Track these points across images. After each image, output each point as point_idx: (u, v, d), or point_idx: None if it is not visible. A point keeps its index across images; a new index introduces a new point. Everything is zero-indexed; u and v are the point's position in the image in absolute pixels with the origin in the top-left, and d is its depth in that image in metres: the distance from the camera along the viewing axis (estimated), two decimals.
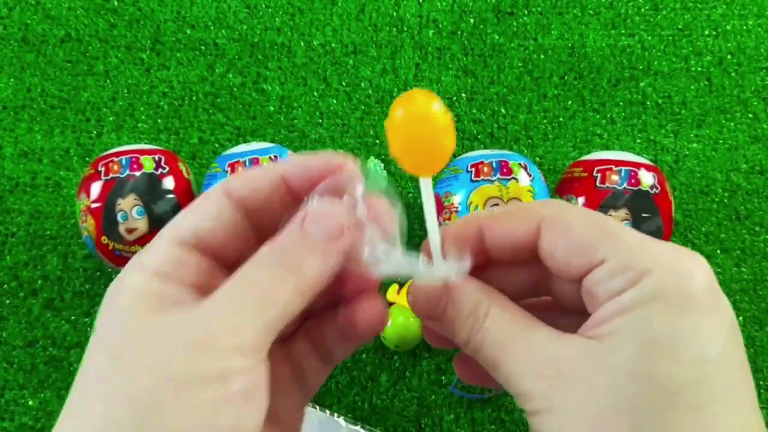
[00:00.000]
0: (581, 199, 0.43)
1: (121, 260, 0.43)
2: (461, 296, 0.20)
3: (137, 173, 0.42)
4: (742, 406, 0.17)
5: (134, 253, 0.42)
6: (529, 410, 0.18)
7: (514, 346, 0.19)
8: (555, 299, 0.22)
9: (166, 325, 0.17)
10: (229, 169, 0.43)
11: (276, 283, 0.18)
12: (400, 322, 0.44)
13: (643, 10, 0.56)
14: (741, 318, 0.49)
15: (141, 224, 0.42)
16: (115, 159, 0.43)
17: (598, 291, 0.19)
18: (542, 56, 0.54)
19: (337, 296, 0.22)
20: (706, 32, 0.55)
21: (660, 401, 0.17)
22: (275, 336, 0.18)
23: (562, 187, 0.46)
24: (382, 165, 0.51)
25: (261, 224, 0.21)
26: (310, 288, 0.18)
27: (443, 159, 0.20)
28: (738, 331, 0.18)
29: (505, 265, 0.22)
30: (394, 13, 0.55)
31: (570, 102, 0.53)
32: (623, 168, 0.43)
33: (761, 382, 0.48)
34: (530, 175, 0.43)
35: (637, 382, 0.17)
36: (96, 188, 0.42)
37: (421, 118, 0.20)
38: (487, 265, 0.22)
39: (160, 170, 0.43)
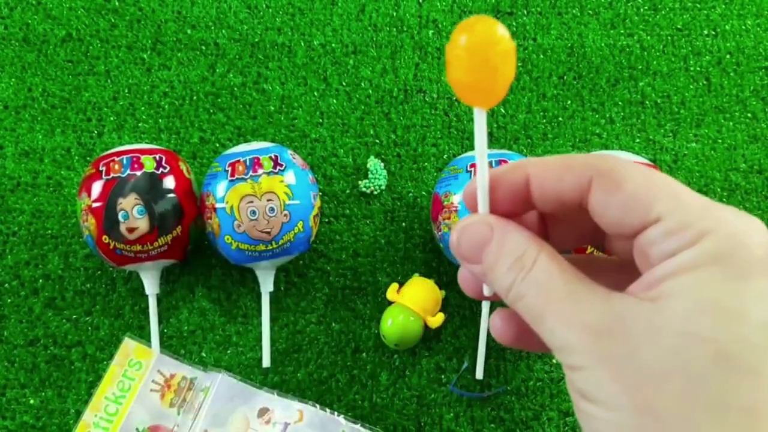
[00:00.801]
0: None
1: (122, 259, 0.43)
2: (510, 240, 0.19)
3: (138, 173, 0.43)
4: None
5: (135, 252, 0.43)
6: (570, 364, 0.18)
7: (562, 297, 0.18)
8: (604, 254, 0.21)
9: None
10: (229, 168, 0.43)
11: None
12: (400, 321, 0.44)
13: (642, 10, 0.56)
14: None
15: (142, 223, 0.42)
16: (116, 158, 0.43)
17: (652, 251, 0.18)
18: (541, 56, 0.54)
19: None
20: (705, 32, 0.55)
21: (718, 364, 0.16)
22: None
23: None
24: (383, 164, 0.51)
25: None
26: None
27: (504, 87, 0.19)
28: None
29: (551, 217, 0.21)
30: (394, 14, 0.55)
31: (569, 102, 0.53)
32: None
33: None
34: None
35: (694, 343, 0.16)
36: (97, 188, 0.42)
37: (486, 44, 0.18)
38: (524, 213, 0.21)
39: (161, 170, 0.43)
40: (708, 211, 0.17)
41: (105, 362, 0.46)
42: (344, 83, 0.53)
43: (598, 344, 0.17)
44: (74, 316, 0.47)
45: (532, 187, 0.20)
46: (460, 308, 0.47)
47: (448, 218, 0.43)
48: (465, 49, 0.19)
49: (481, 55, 0.19)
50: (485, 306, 0.44)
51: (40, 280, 0.48)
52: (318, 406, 0.44)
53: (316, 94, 0.53)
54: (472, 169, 0.43)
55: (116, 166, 0.43)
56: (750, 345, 0.16)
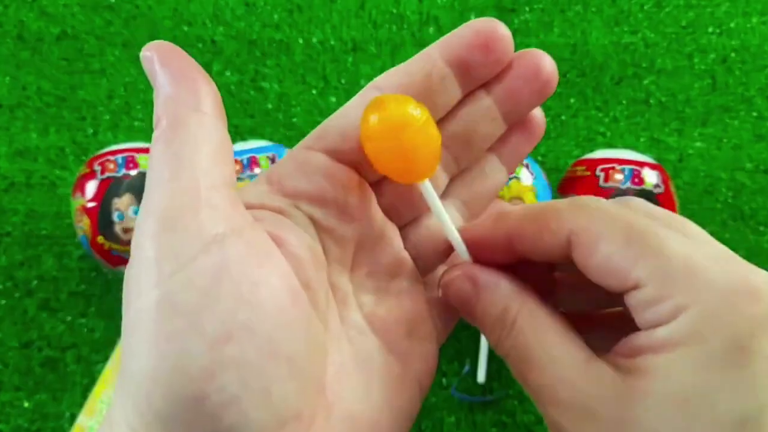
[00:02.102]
0: None
1: (118, 260, 0.43)
2: (489, 299, 0.19)
3: (133, 172, 0.42)
4: None
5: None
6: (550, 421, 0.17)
7: (540, 366, 0.17)
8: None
9: None
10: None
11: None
12: None
13: (646, 7, 0.55)
14: None
15: None
16: (111, 158, 0.43)
17: (635, 315, 0.16)
18: None
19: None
20: (710, 30, 0.55)
21: None
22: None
23: (565, 186, 0.45)
24: None
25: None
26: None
27: (432, 159, 0.18)
28: None
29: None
30: (394, 10, 0.55)
31: (572, 100, 0.53)
32: (627, 167, 0.43)
33: None
34: (532, 174, 0.42)
35: None
36: (91, 187, 0.42)
37: (397, 128, 0.17)
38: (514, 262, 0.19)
39: None
40: (691, 277, 0.15)
41: (100, 365, 0.46)
42: (343, 81, 0.53)
43: (571, 423, 0.16)
44: (69, 318, 0.47)
45: (515, 247, 0.19)
46: None
47: None
48: (378, 139, 0.18)
49: (397, 142, 0.17)
50: None
51: (35, 282, 0.48)
52: None
53: (314, 92, 0.53)
54: None
55: (111, 166, 0.42)
56: None
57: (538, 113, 0.21)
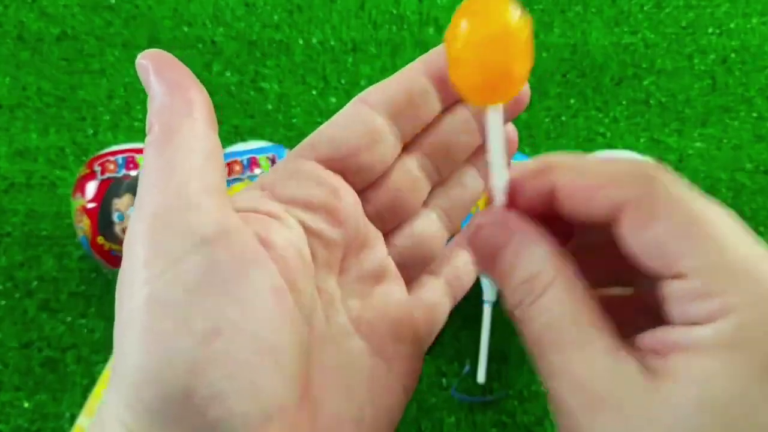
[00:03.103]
0: None
1: (118, 261, 0.42)
2: (526, 254, 0.17)
3: (133, 172, 0.42)
4: None
5: None
6: (562, 425, 0.16)
7: (565, 342, 0.16)
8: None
9: None
10: (226, 168, 0.42)
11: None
12: None
13: (646, 7, 0.55)
14: None
15: None
16: (111, 158, 0.43)
17: (672, 306, 0.15)
18: (544, 54, 0.54)
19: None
20: (710, 30, 0.55)
21: None
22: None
23: None
24: None
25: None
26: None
27: (522, 80, 0.16)
28: None
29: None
30: (394, 11, 0.55)
31: (572, 100, 0.53)
32: None
33: None
34: None
35: None
36: (91, 188, 0.42)
37: (500, 35, 0.15)
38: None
39: None
40: (743, 277, 0.14)
41: (100, 365, 0.46)
42: (343, 81, 0.53)
43: (594, 418, 0.15)
44: (69, 319, 0.47)
45: (558, 200, 0.17)
46: (462, 309, 0.46)
47: None
48: (471, 44, 0.15)
49: (496, 49, 0.15)
50: (487, 308, 0.44)
51: (35, 282, 0.48)
52: None
53: (314, 92, 0.53)
54: None
55: (111, 166, 0.42)
56: None
57: (510, 128, 0.22)
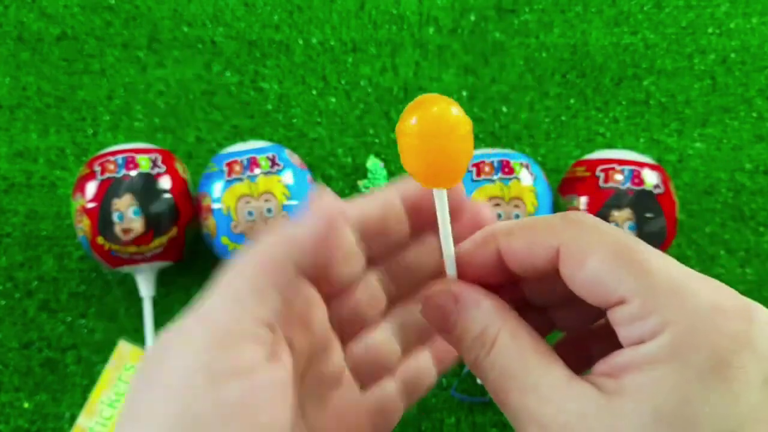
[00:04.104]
0: (584, 199, 0.43)
1: (117, 261, 0.43)
2: (470, 316, 0.19)
3: (133, 173, 0.42)
4: None
5: (130, 253, 0.42)
6: None
7: (520, 386, 0.17)
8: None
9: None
10: (226, 168, 0.42)
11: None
12: None
13: (646, 8, 0.55)
14: None
15: (137, 224, 0.42)
16: (111, 158, 0.43)
17: (618, 332, 0.17)
18: (544, 54, 0.54)
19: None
20: (710, 30, 0.55)
21: None
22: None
23: (565, 187, 0.45)
24: (383, 164, 0.51)
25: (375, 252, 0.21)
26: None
27: (463, 169, 0.18)
28: None
29: (535, 281, 0.20)
30: (394, 11, 0.55)
31: (572, 100, 0.53)
32: (627, 167, 0.43)
33: None
34: (532, 175, 0.43)
35: None
36: (91, 188, 0.42)
37: (440, 127, 0.17)
38: (514, 279, 0.20)
39: (156, 170, 0.43)
40: (675, 295, 0.16)
41: (100, 366, 0.46)
42: (343, 81, 0.53)
43: None
44: (69, 319, 0.47)
45: (506, 261, 0.19)
46: None
47: None
48: (418, 136, 0.17)
49: (438, 142, 0.17)
50: None
51: (35, 282, 0.48)
52: None
53: (314, 92, 0.53)
54: (474, 168, 0.42)
55: (111, 166, 0.42)
56: None
57: (486, 210, 0.23)
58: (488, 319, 0.19)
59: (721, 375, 0.15)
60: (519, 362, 0.18)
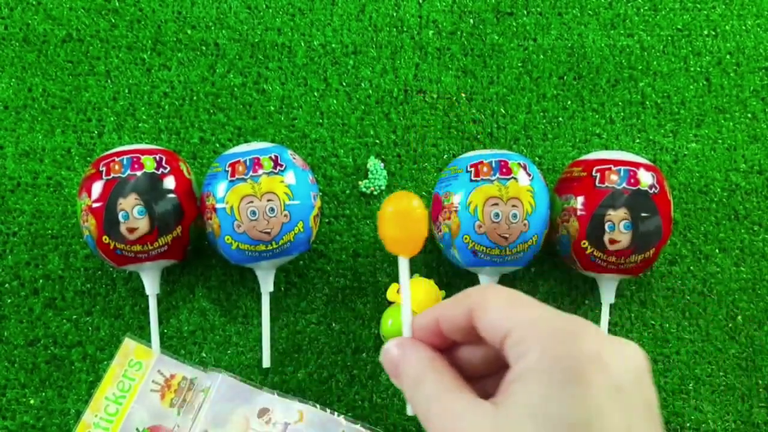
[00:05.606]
0: (580, 199, 0.43)
1: (122, 260, 0.43)
2: (409, 362, 0.26)
3: (138, 173, 0.43)
4: None
5: (135, 252, 0.43)
6: None
7: (440, 410, 0.23)
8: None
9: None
10: (229, 168, 0.43)
11: None
12: (400, 321, 0.44)
13: (642, 10, 0.56)
14: (740, 317, 0.49)
15: (142, 224, 0.42)
16: (116, 159, 0.43)
17: (507, 358, 0.23)
18: (541, 56, 0.54)
19: None
20: (705, 32, 0.55)
21: None
22: None
23: (561, 187, 0.46)
24: (383, 165, 0.51)
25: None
26: None
27: (419, 243, 0.28)
28: (630, 387, 0.21)
29: (468, 345, 0.27)
30: (394, 14, 0.55)
31: (569, 102, 0.54)
32: (622, 167, 0.43)
33: (760, 381, 0.48)
34: (530, 175, 0.43)
35: None
36: (97, 188, 0.42)
37: (405, 210, 0.28)
38: (452, 346, 0.27)
39: (161, 170, 0.43)
40: (536, 326, 0.22)
41: (105, 362, 0.46)
42: (344, 83, 0.53)
43: None
44: (74, 317, 0.48)
45: (443, 329, 0.26)
46: None
47: (448, 218, 0.43)
48: (392, 213, 0.28)
49: (403, 217, 0.28)
50: None
51: (41, 281, 0.48)
52: (318, 406, 0.44)
53: (316, 94, 0.53)
54: (472, 169, 0.43)
55: (116, 167, 0.43)
56: None
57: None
58: (421, 362, 0.25)
59: (576, 381, 0.20)
60: (440, 393, 0.24)
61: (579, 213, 0.43)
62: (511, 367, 0.22)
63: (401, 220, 0.28)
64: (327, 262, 0.49)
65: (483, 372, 0.26)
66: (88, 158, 0.51)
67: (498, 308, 0.24)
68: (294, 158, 0.44)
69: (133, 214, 0.42)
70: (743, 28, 0.55)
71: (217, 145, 0.52)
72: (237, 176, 0.42)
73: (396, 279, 0.48)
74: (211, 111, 0.53)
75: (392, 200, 0.28)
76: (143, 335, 0.47)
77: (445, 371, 0.25)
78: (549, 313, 0.23)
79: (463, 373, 0.26)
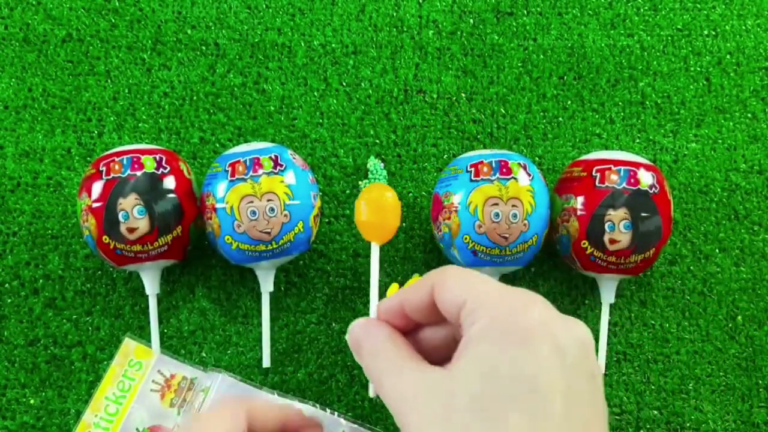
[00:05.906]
0: (580, 199, 0.43)
1: (123, 259, 0.43)
2: (367, 339, 0.28)
3: (138, 173, 0.43)
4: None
5: (135, 252, 0.43)
6: (398, 423, 0.25)
7: (395, 379, 0.25)
8: None
9: None
10: (229, 168, 0.43)
11: None
12: None
13: (642, 10, 0.56)
14: (740, 317, 0.49)
15: (142, 224, 0.42)
16: (116, 159, 0.43)
17: (462, 327, 0.25)
18: (541, 56, 0.54)
19: None
20: (705, 32, 0.55)
21: (475, 412, 0.22)
22: None
23: (561, 187, 0.46)
24: (383, 165, 0.51)
25: None
26: None
27: (391, 231, 0.33)
28: (574, 355, 0.23)
29: (430, 326, 0.28)
30: (394, 14, 0.55)
31: (569, 102, 0.54)
32: (622, 167, 0.43)
33: (760, 381, 0.48)
34: (530, 175, 0.43)
35: (473, 402, 0.22)
36: (97, 188, 0.42)
37: (380, 199, 0.33)
38: (416, 328, 0.29)
39: (161, 170, 0.43)
40: (487, 296, 0.24)
41: (105, 362, 0.46)
42: (344, 83, 0.54)
43: (409, 411, 0.24)
44: (74, 316, 0.48)
45: (407, 310, 0.28)
46: None
47: (448, 218, 0.43)
48: (367, 201, 0.33)
49: (377, 204, 0.33)
50: None
51: (41, 281, 0.48)
52: (318, 406, 0.44)
53: (316, 94, 0.53)
54: (472, 169, 0.43)
55: (116, 167, 0.43)
56: (501, 397, 0.22)
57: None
58: (380, 339, 0.27)
59: (523, 344, 0.23)
60: (396, 359, 0.26)
61: (579, 213, 0.43)
62: (463, 335, 0.24)
63: (373, 207, 0.31)
64: (327, 262, 0.49)
65: (444, 355, 0.28)
66: (88, 158, 0.51)
67: (455, 283, 0.26)
68: (294, 158, 0.44)
69: (133, 214, 0.42)
70: (743, 28, 0.56)
71: (217, 145, 0.52)
72: (237, 176, 0.42)
73: (396, 279, 0.48)
74: (211, 111, 0.53)
75: (368, 190, 0.32)
76: (143, 335, 0.47)
77: (402, 345, 0.27)
78: (503, 288, 0.25)
79: (426, 357, 0.27)
